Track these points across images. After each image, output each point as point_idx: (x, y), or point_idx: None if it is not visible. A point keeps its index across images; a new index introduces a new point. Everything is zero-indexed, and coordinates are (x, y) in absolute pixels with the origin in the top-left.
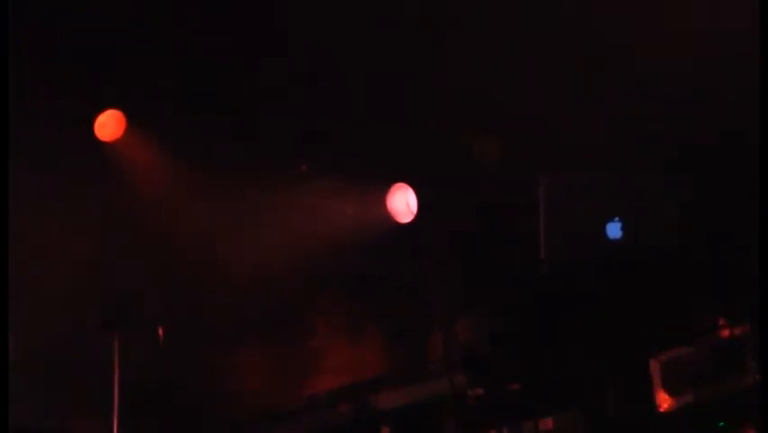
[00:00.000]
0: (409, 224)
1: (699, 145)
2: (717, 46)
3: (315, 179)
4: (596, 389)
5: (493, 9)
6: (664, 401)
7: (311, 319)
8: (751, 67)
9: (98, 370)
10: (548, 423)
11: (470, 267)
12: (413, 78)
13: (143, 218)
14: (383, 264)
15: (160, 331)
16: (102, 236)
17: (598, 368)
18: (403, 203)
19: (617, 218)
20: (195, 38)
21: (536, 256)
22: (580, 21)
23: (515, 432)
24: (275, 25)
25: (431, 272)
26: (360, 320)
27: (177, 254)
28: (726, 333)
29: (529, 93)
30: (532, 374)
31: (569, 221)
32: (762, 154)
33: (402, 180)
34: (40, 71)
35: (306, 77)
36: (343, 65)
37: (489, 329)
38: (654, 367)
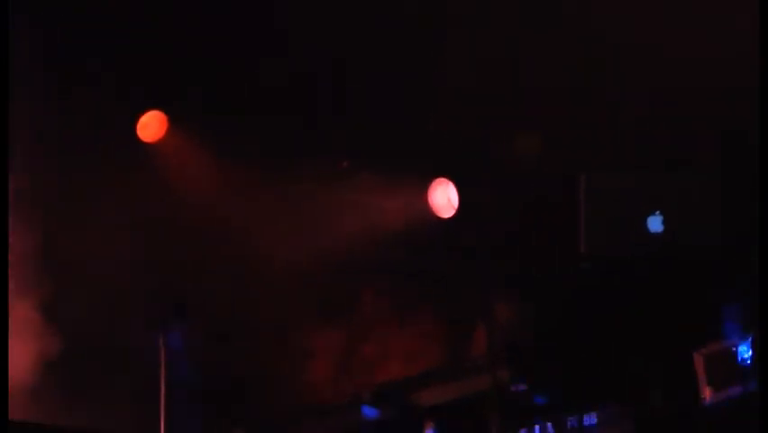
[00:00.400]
0: (451, 218)
1: (740, 142)
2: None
3: (356, 174)
4: (639, 383)
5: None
6: (708, 394)
7: (352, 315)
8: None
9: (145, 368)
10: (593, 418)
11: (511, 262)
12: (453, 75)
13: (187, 217)
14: (426, 259)
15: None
16: (147, 235)
17: (640, 362)
18: (444, 198)
19: (657, 212)
20: (234, 37)
21: (577, 251)
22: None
23: (558, 427)
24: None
25: (473, 266)
26: (403, 315)
27: (221, 251)
28: None
29: (565, 91)
30: (575, 369)
31: (608, 217)
32: (762, 155)
33: (444, 176)
34: (79, 72)
35: (350, 74)
36: (386, 61)
37: (531, 321)
38: (698, 361)
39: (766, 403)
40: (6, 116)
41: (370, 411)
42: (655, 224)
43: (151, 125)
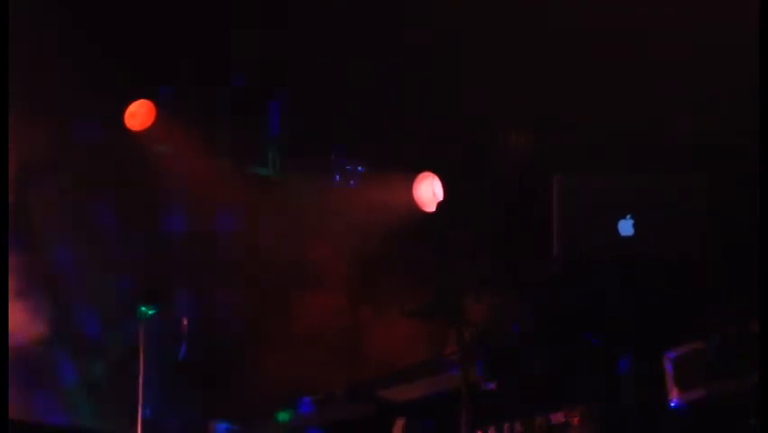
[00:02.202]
0: (432, 213)
1: (715, 145)
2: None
3: (343, 167)
4: (608, 383)
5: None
6: (676, 396)
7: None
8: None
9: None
10: (559, 417)
11: (484, 261)
12: (439, 69)
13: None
14: (406, 253)
15: (184, 321)
16: (136, 223)
17: (610, 363)
18: (429, 192)
19: (628, 216)
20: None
21: (549, 252)
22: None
23: (527, 425)
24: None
25: (448, 262)
26: (380, 309)
27: (206, 241)
28: (738, 329)
29: (550, 90)
30: (545, 369)
31: (582, 220)
32: (762, 155)
33: (428, 170)
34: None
35: (334, 65)
36: (372, 55)
37: (502, 321)
38: (667, 363)
39: (766, 404)
40: (6, 116)
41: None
42: (626, 227)
43: (139, 114)
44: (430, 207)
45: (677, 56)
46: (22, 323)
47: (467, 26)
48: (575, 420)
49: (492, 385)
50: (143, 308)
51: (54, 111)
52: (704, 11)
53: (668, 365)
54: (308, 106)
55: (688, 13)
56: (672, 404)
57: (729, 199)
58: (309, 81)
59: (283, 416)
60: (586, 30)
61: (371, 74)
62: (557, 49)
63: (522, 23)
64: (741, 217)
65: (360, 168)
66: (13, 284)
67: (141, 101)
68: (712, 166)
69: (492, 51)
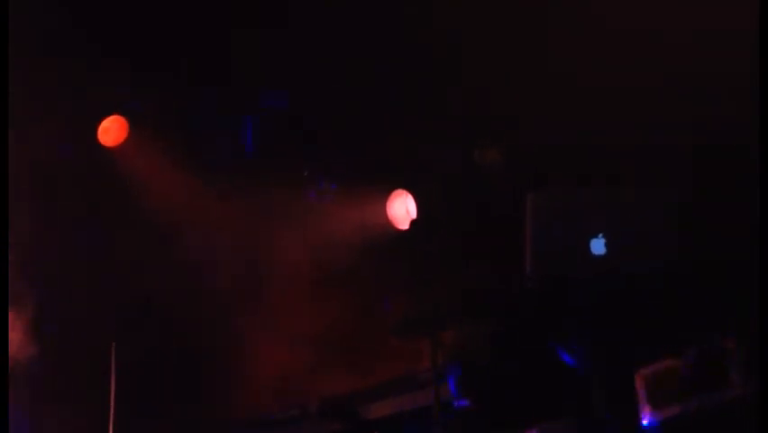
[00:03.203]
0: (406, 231)
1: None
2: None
3: (316, 183)
4: (581, 401)
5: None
6: (648, 413)
7: (307, 322)
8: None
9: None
10: None
11: (459, 276)
12: (413, 84)
13: (149, 221)
14: (377, 271)
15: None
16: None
17: (583, 381)
18: (402, 209)
19: (600, 234)
20: (200, 37)
21: (522, 271)
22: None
23: None
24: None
25: (421, 280)
26: (352, 326)
27: (178, 255)
28: (712, 345)
29: (524, 103)
30: (518, 384)
31: (554, 237)
32: (762, 155)
33: (402, 187)
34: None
35: (307, 79)
36: (347, 68)
37: (476, 339)
38: (639, 380)
39: (766, 403)
40: (6, 117)
41: None
42: (598, 246)
43: (112, 130)
44: (403, 225)
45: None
46: None
47: (440, 43)
48: None
49: (464, 402)
50: None
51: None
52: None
53: (641, 383)
54: (282, 122)
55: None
56: (645, 422)
57: (701, 215)
58: (284, 94)
59: None
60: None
61: (346, 89)
62: (533, 67)
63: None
64: (713, 233)
65: (333, 185)
66: None
67: (114, 117)
68: (685, 181)
69: (470, 68)
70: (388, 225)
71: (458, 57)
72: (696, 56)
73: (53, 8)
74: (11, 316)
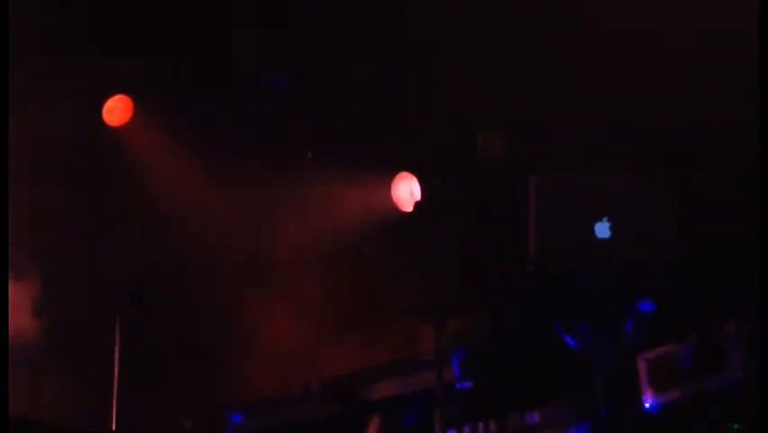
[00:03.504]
0: (411, 213)
1: (693, 146)
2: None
3: (320, 166)
4: (583, 385)
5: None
6: (650, 397)
7: (310, 304)
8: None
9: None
10: (534, 417)
11: (463, 260)
12: (417, 71)
13: (152, 203)
14: (381, 253)
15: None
16: (111, 221)
17: (585, 364)
18: (407, 192)
19: (605, 218)
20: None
21: (526, 255)
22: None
23: (501, 425)
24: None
25: (425, 263)
26: (355, 308)
27: (180, 239)
28: (711, 332)
29: (529, 91)
30: (520, 369)
31: (559, 221)
32: (762, 155)
33: (407, 170)
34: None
35: (311, 63)
36: (350, 53)
37: (479, 323)
38: (641, 365)
39: (766, 402)
40: (6, 117)
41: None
42: (603, 230)
43: (117, 109)
44: (408, 207)
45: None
46: None
47: (440, 27)
48: (551, 420)
49: (467, 385)
50: None
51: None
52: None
53: (643, 366)
54: (288, 105)
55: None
56: (647, 405)
57: (703, 201)
58: (284, 75)
59: None
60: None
61: (351, 74)
62: (537, 51)
63: (503, 26)
64: (715, 219)
65: (337, 166)
66: None
67: (119, 96)
68: (690, 167)
69: (474, 52)
70: (392, 208)
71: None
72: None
73: None
74: (12, 289)
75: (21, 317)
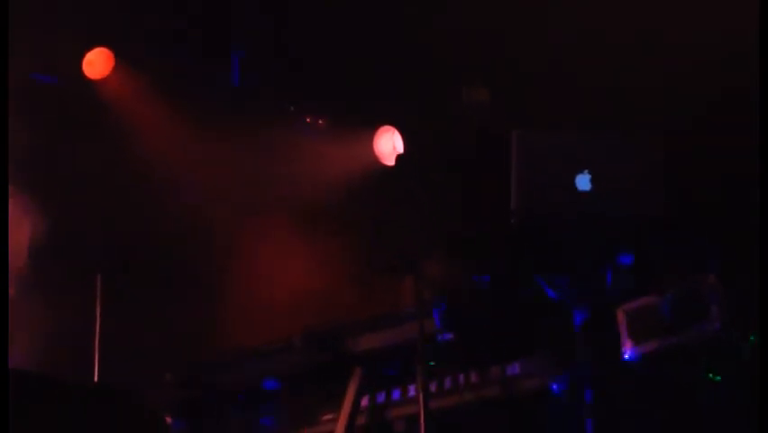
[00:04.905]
0: (392, 166)
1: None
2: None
3: (302, 120)
4: (564, 337)
5: None
6: (629, 348)
7: (288, 258)
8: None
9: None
10: (515, 368)
11: (445, 212)
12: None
13: (132, 157)
14: (362, 206)
15: None
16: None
17: (565, 315)
18: (389, 146)
19: (586, 171)
20: None
21: (507, 208)
22: None
23: (482, 376)
24: None
25: (406, 215)
26: (336, 262)
27: (161, 195)
28: (690, 283)
29: (517, 46)
30: (500, 321)
31: (540, 175)
32: (762, 154)
33: (389, 124)
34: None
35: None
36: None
37: (460, 276)
38: (620, 316)
39: (766, 401)
40: (6, 117)
41: None
42: (584, 183)
43: (97, 62)
44: (390, 161)
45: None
46: None
47: None
48: (530, 371)
49: (448, 336)
50: None
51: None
52: None
53: (622, 318)
54: (268, 58)
55: None
56: (626, 356)
57: (686, 157)
58: (268, 31)
59: None
60: None
61: (333, 27)
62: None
63: None
64: (697, 174)
65: (320, 120)
66: None
67: (100, 49)
68: (669, 123)
69: (454, 4)
70: (375, 162)
71: None
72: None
73: None
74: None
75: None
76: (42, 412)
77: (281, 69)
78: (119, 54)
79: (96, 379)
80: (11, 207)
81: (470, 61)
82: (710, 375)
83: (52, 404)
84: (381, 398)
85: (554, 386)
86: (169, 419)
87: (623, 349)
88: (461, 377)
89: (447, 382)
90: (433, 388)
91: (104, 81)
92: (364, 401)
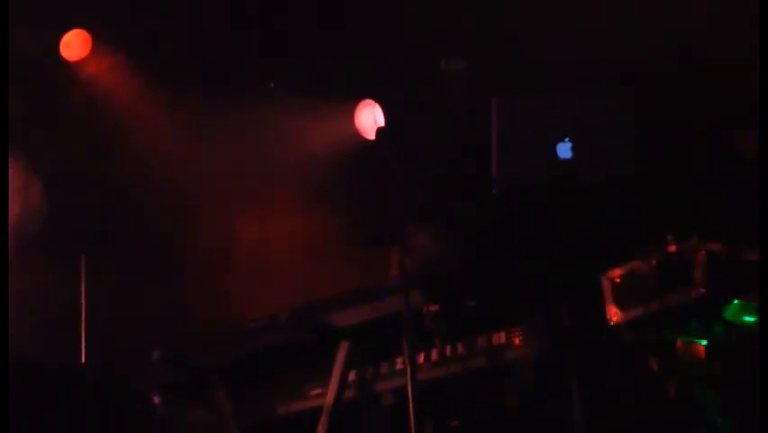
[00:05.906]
0: (373, 139)
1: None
2: None
3: (282, 95)
4: (550, 304)
5: None
6: (614, 315)
7: (271, 235)
8: None
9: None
10: (501, 337)
11: (427, 183)
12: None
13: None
14: (345, 179)
15: None
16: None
17: (552, 284)
18: (371, 119)
19: (567, 138)
20: None
21: (489, 176)
22: None
23: (469, 347)
24: None
25: (389, 186)
26: (320, 236)
27: (139, 174)
28: (673, 248)
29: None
30: (486, 290)
31: (521, 141)
32: (762, 152)
33: (369, 97)
34: None
35: None
36: None
37: (445, 247)
38: (606, 283)
39: (766, 398)
40: (6, 117)
41: None
42: (564, 150)
43: (74, 44)
44: (371, 135)
45: None
46: None
47: None
48: (516, 340)
49: (434, 308)
50: None
51: None
52: None
53: (606, 285)
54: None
55: None
56: (611, 323)
57: (666, 120)
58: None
59: None
60: None
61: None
62: None
63: None
64: (679, 138)
65: (299, 96)
66: None
67: (77, 30)
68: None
69: None
70: (356, 136)
71: None
72: None
73: None
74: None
75: None
76: (31, 395)
77: (261, 42)
78: (95, 35)
79: (83, 359)
80: None
81: (447, 35)
82: (695, 339)
83: (39, 386)
84: (369, 371)
85: (540, 355)
86: (156, 399)
87: (608, 315)
88: (448, 348)
89: (434, 354)
90: (420, 360)
91: (81, 63)
92: (352, 375)
